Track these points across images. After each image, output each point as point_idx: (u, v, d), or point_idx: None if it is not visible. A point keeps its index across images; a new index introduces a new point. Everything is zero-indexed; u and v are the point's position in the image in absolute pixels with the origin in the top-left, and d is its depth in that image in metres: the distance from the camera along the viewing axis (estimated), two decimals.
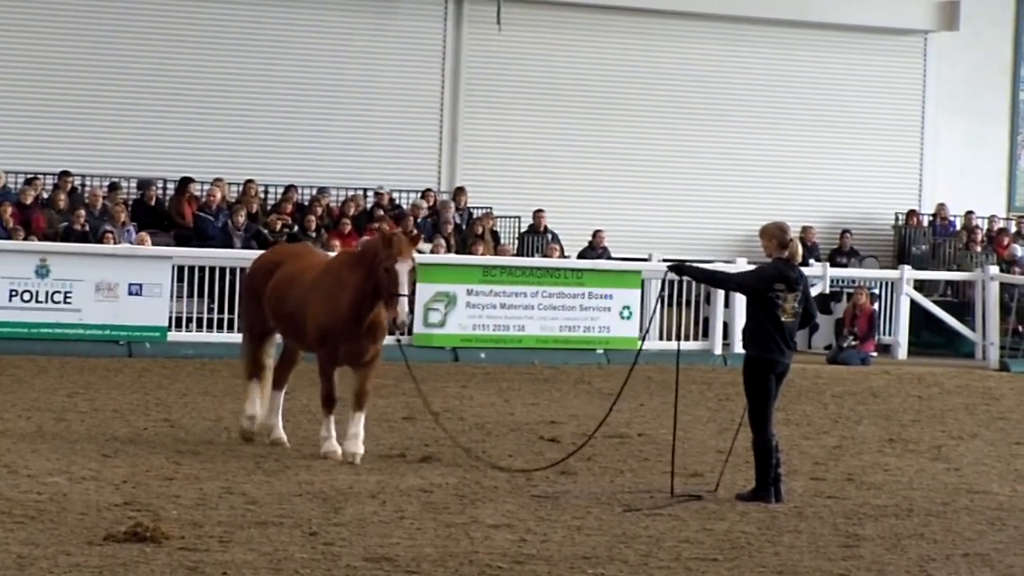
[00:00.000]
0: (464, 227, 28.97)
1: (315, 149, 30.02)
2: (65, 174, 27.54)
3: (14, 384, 19.01)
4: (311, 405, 16.73)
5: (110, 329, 23.15)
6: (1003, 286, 28.47)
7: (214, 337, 23.81)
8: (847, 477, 14.28)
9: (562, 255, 27.75)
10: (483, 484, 13.10)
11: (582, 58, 31.74)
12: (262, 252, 17.57)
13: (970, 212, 33.01)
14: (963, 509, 12.89)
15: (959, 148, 34.24)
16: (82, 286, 23.05)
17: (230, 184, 28.24)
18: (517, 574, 9.92)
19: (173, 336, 23.56)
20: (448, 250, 26.95)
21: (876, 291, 28.59)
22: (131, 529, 10.38)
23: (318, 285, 14.21)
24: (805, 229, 30.42)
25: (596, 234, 29.14)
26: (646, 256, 28.53)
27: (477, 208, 29.78)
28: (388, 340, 14.43)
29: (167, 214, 27.38)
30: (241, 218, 26.47)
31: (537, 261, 26.73)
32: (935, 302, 29.40)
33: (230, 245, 25.82)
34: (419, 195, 29.53)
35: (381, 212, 28.22)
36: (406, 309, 13.66)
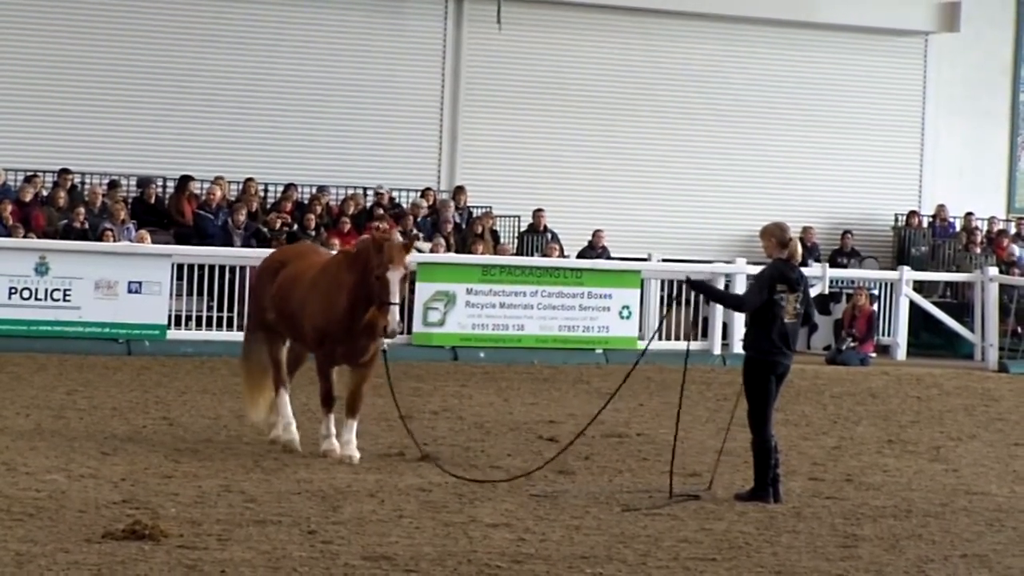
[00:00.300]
0: (464, 226, 28.97)
1: (315, 148, 30.01)
2: (65, 172, 27.54)
3: (13, 382, 19.01)
4: (311, 404, 16.73)
5: (109, 327, 23.15)
6: (1002, 287, 28.48)
7: (213, 335, 23.81)
8: (846, 478, 14.28)
9: (561, 255, 27.75)
10: (482, 483, 13.09)
11: (582, 57, 31.74)
12: (270, 252, 17.55)
13: (970, 213, 33.00)
14: (961, 510, 12.89)
15: (959, 149, 34.24)
16: (81, 284, 23.05)
17: (230, 182, 28.23)
18: (515, 573, 9.92)
19: (172, 334, 23.56)
20: (448, 249, 26.95)
21: (875, 292, 28.60)
22: (130, 527, 10.38)
23: (316, 285, 14.20)
24: (805, 230, 30.42)
25: (596, 234, 29.13)
26: (646, 256, 28.53)
27: (477, 207, 29.78)
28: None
29: (167, 212, 27.38)
30: (241, 216, 26.48)
31: (536, 260, 26.73)
32: (934, 303, 29.41)
33: (230, 243, 25.83)
34: (419, 194, 29.53)
35: (381, 211, 28.22)
36: (396, 318, 13.49)
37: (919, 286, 29.33)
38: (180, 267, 24.02)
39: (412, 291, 24.05)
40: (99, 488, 12.14)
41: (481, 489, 12.82)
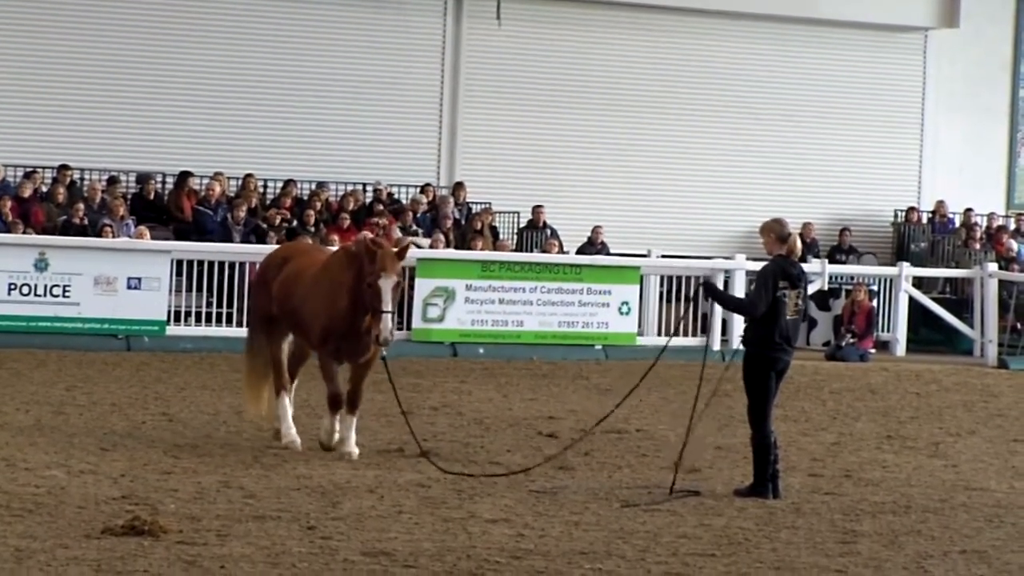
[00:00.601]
0: (463, 222, 28.96)
1: (314, 144, 30.01)
2: (64, 168, 27.53)
3: (12, 377, 19.01)
4: (310, 400, 16.75)
5: (109, 323, 23.16)
6: (1002, 283, 28.47)
7: (213, 331, 23.80)
8: (845, 473, 14.29)
9: (561, 251, 27.75)
10: (481, 479, 13.09)
11: (582, 53, 31.73)
12: (273, 249, 17.54)
13: (969, 209, 32.99)
14: (960, 506, 12.89)
15: (959, 145, 34.23)
16: (81, 280, 23.06)
17: (229, 178, 28.23)
18: (515, 569, 9.92)
19: (172, 330, 23.56)
20: (447, 245, 26.94)
21: (875, 288, 28.59)
22: (129, 523, 10.38)
23: (318, 283, 14.18)
24: (804, 225, 30.41)
25: (595, 229, 29.12)
26: (645, 252, 28.53)
27: (476, 203, 29.78)
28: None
29: (166, 208, 27.38)
30: (241, 213, 26.47)
31: (536, 256, 26.72)
32: (934, 299, 29.41)
33: (229, 240, 25.82)
34: (418, 190, 29.54)
35: (380, 207, 28.22)
36: (389, 326, 13.39)
37: (918, 282, 29.33)
38: (179, 263, 24.01)
39: (411, 287, 24.07)
40: (98, 484, 12.14)
41: (480, 485, 12.82)
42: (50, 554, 9.66)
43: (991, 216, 33.20)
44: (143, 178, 27.85)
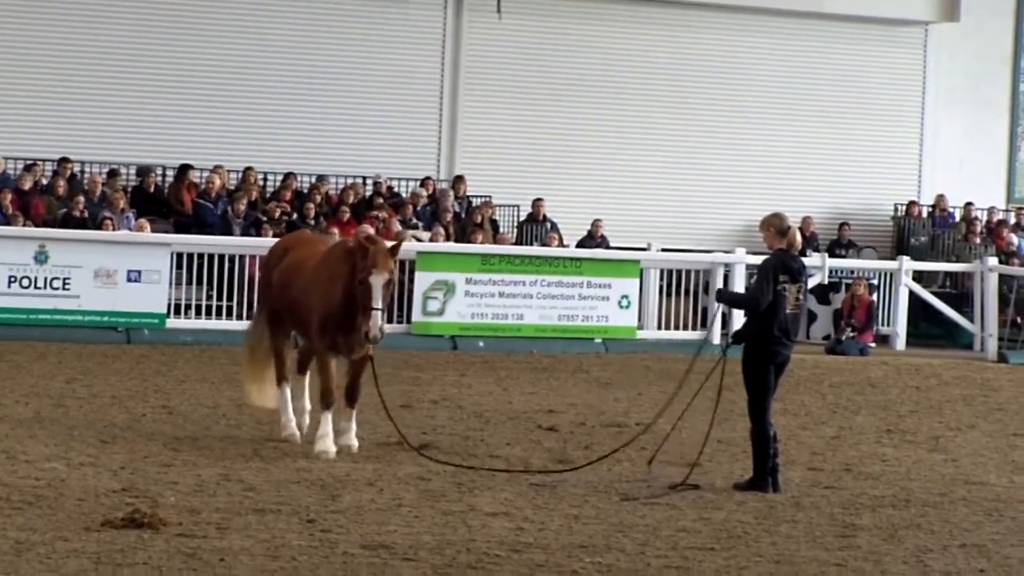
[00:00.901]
0: (463, 215, 28.96)
1: (314, 137, 30.00)
2: (64, 160, 27.53)
3: (12, 370, 19.01)
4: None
5: (109, 315, 23.16)
6: (1002, 277, 28.46)
7: (213, 324, 23.82)
8: (844, 467, 14.29)
9: (561, 244, 27.75)
10: (481, 472, 13.10)
11: (582, 47, 31.71)
12: (277, 240, 17.52)
13: (969, 203, 32.98)
14: (960, 500, 12.90)
15: (959, 139, 34.21)
16: (81, 272, 23.06)
17: (229, 171, 28.22)
18: (514, 562, 9.92)
19: (172, 323, 23.56)
20: (447, 238, 26.93)
21: (875, 282, 28.59)
22: (129, 515, 10.38)
23: (317, 274, 14.16)
24: (804, 219, 30.40)
25: (595, 223, 29.12)
26: (645, 245, 28.52)
27: (476, 196, 29.77)
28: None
29: (166, 201, 27.37)
30: (241, 206, 26.47)
31: (536, 250, 26.71)
32: (934, 293, 29.41)
33: (229, 232, 25.82)
34: (418, 183, 29.52)
35: (380, 200, 28.21)
36: (379, 323, 13.29)
37: (918, 276, 29.33)
38: (179, 256, 24.02)
39: (411, 280, 24.07)
40: (98, 476, 12.15)
41: (480, 478, 12.83)
42: (50, 546, 9.67)
43: (991, 210, 33.19)
44: (143, 171, 27.84)
